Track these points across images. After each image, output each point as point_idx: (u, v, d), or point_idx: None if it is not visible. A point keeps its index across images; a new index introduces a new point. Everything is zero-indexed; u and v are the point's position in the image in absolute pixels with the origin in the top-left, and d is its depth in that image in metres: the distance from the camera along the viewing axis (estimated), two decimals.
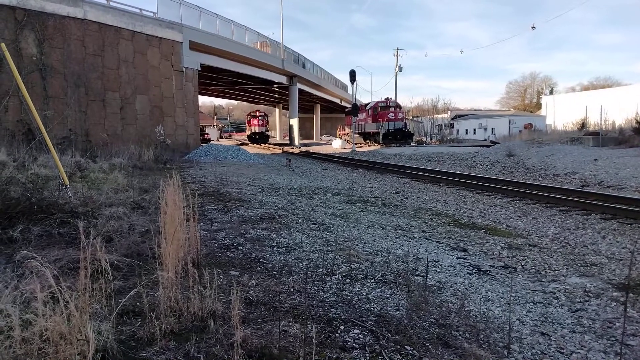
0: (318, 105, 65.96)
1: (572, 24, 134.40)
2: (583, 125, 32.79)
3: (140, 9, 20.27)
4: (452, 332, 3.23)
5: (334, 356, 2.62)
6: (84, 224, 3.90)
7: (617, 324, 3.85)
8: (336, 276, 4.14)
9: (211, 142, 42.99)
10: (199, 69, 23.90)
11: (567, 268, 5.75)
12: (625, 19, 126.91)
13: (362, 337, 2.90)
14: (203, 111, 78.89)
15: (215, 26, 26.89)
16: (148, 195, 7.65)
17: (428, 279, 4.36)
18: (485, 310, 3.88)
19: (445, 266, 5.18)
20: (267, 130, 54.75)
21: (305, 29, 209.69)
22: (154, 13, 21.13)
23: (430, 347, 2.92)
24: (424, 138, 48.70)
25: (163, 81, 20.85)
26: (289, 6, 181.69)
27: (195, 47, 23.46)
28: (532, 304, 4.27)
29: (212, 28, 26.37)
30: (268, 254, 4.70)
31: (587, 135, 24.46)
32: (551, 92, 70.58)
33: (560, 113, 46.53)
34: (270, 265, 4.32)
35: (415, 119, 65.33)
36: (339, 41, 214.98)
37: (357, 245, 5.55)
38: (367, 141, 40.16)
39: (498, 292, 4.45)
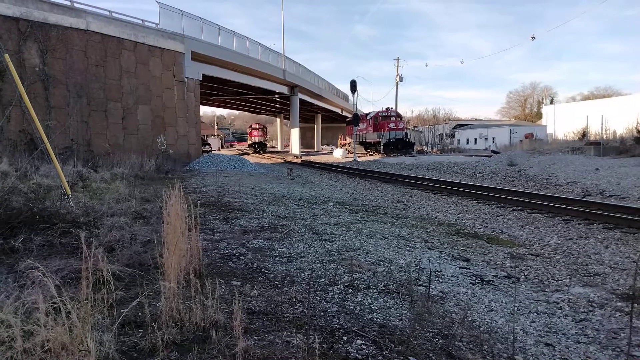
0: (319, 115, 66.16)
1: (573, 34, 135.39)
2: (584, 134, 32.78)
3: (142, 20, 20.41)
4: (456, 342, 3.20)
5: None
6: (85, 234, 3.89)
7: (622, 334, 3.81)
8: (338, 286, 4.12)
9: (212, 151, 43.11)
10: (201, 79, 24.00)
11: (570, 278, 5.72)
12: (626, 29, 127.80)
13: (365, 347, 2.88)
14: (205, 121, 79.28)
15: (217, 37, 27.06)
16: (150, 205, 7.65)
17: (431, 289, 4.34)
18: (488, 320, 3.85)
19: (448, 276, 5.16)
20: (266, 140, 59.63)
21: (308, 39, 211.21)
22: (156, 24, 21.28)
23: (434, 357, 2.89)
24: (425, 147, 48.73)
25: (165, 91, 20.94)
26: (291, 17, 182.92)
27: (197, 57, 23.59)
28: (535, 314, 4.24)
29: (213, 39, 26.54)
30: (270, 264, 4.68)
31: (588, 145, 24.45)
32: (551, 102, 70.81)
33: (561, 123, 46.63)
34: (272, 275, 4.30)
35: (416, 128, 65.45)
36: (341, 52, 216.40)
37: (359, 255, 5.53)
38: (368, 151, 40.21)
39: (501, 302, 4.43)
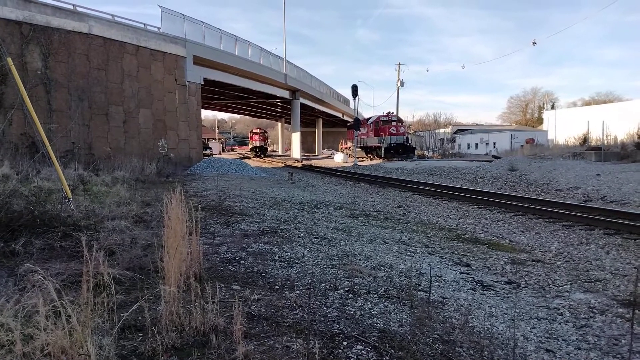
0: (320, 119, 66.27)
1: (574, 39, 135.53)
2: (585, 140, 32.78)
3: (144, 24, 20.51)
4: (456, 348, 3.19)
5: None
6: (86, 238, 3.90)
7: (623, 340, 3.80)
8: (339, 291, 4.12)
9: (214, 155, 43.17)
10: (202, 83, 24.07)
11: (571, 284, 5.70)
12: (627, 35, 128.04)
13: (365, 353, 2.87)
14: (206, 125, 79.38)
15: (218, 41, 27.14)
16: (150, 209, 7.65)
17: (431, 294, 4.33)
18: (489, 326, 3.84)
19: (448, 281, 5.15)
20: (266, 145, 60.58)
21: (309, 44, 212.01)
22: (158, 28, 21.36)
23: None
24: (425, 152, 48.76)
25: (166, 95, 20.99)
26: (292, 22, 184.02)
27: (198, 61, 23.66)
28: (536, 320, 4.23)
29: (215, 43, 26.61)
30: (270, 268, 4.68)
31: (589, 150, 24.46)
32: (553, 107, 70.72)
33: (562, 128, 46.61)
34: (272, 280, 4.30)
35: (417, 133, 65.52)
36: (343, 56, 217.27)
37: (360, 259, 5.52)
38: (369, 155, 40.25)
39: (502, 307, 4.41)
